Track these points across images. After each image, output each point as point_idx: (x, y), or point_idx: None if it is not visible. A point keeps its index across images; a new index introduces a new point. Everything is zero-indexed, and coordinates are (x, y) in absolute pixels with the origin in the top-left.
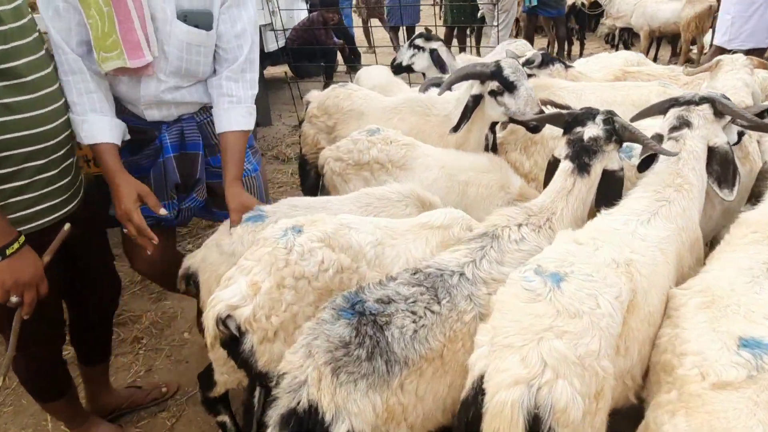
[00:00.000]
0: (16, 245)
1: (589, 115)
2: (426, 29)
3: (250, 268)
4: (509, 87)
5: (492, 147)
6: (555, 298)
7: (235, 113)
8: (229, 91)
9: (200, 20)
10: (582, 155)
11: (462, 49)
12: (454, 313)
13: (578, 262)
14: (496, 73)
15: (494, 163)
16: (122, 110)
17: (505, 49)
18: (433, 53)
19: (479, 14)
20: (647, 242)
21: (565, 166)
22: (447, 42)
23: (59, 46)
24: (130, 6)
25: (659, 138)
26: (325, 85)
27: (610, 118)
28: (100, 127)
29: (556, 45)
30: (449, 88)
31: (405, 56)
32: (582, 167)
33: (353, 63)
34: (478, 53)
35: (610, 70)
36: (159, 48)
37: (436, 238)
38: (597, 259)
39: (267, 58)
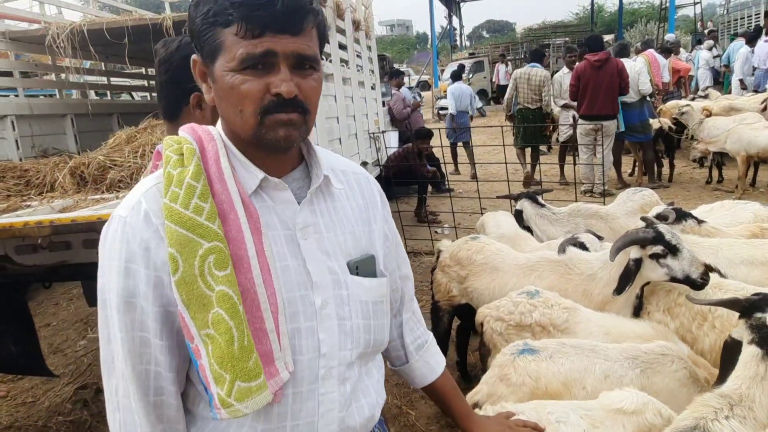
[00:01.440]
0: None
1: (766, 301)
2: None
3: None
4: (673, 250)
5: (638, 306)
6: None
7: (430, 354)
8: (413, 335)
9: (368, 268)
10: None
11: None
12: None
13: None
14: (658, 238)
15: (658, 330)
16: None
17: (656, 210)
18: (519, 213)
19: (558, 137)
20: None
21: (753, 351)
22: (522, 159)
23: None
24: (258, 290)
25: None
26: (417, 210)
27: None
28: None
29: (644, 167)
30: (616, 254)
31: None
32: None
33: (440, 186)
34: (561, 171)
35: (745, 226)
36: (340, 328)
37: (632, 426)
38: None
39: None
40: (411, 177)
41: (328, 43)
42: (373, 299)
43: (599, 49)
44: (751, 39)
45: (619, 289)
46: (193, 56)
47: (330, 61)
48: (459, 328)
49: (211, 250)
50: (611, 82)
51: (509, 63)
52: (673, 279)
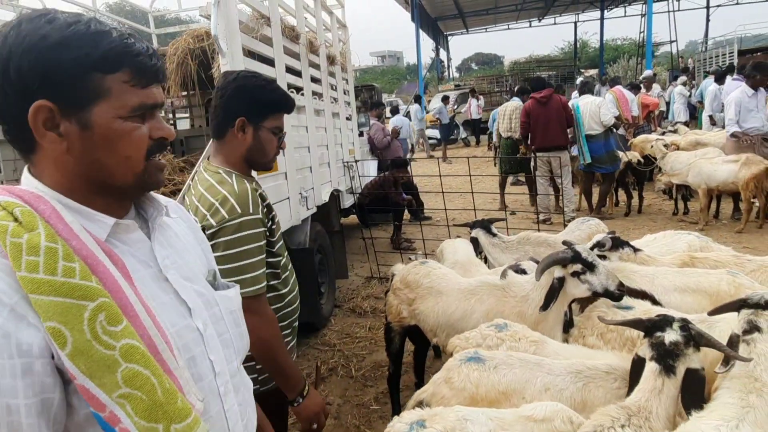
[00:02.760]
0: (306, 387)
1: (666, 322)
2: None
3: None
4: (590, 267)
5: (568, 323)
6: None
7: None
8: None
9: (217, 283)
10: (666, 357)
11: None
12: None
13: None
14: (576, 257)
15: (624, 361)
16: None
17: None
18: (474, 240)
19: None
20: None
21: (652, 367)
22: (501, 187)
23: None
24: (151, 333)
25: (736, 338)
26: (393, 236)
27: (685, 325)
28: None
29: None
30: (541, 274)
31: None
32: (668, 368)
33: (418, 214)
34: (533, 201)
35: (677, 255)
36: (222, 343)
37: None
38: None
39: (342, 213)
40: (387, 205)
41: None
42: (237, 307)
43: (542, 87)
44: (720, 77)
45: (544, 306)
46: (39, 102)
47: (302, 94)
48: (415, 350)
49: (99, 308)
50: (558, 115)
51: (480, 97)
52: (595, 293)
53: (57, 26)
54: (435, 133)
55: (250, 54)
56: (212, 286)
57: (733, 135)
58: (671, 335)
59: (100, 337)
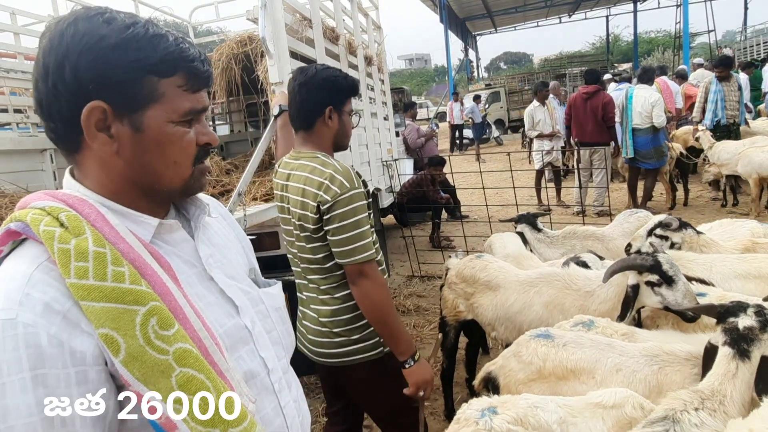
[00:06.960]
0: (418, 352)
1: (740, 307)
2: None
3: None
4: (668, 280)
5: (637, 325)
6: None
7: None
8: None
9: (259, 280)
10: (740, 342)
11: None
12: None
13: None
14: (655, 267)
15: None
16: None
17: (648, 225)
18: (521, 235)
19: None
20: None
21: (725, 351)
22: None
23: None
24: (201, 335)
25: None
26: (432, 235)
27: (761, 310)
28: None
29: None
30: (609, 277)
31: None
32: (742, 352)
33: (455, 212)
34: (558, 195)
35: (739, 240)
36: (271, 340)
37: (611, 419)
38: None
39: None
40: (425, 203)
41: None
42: (281, 304)
43: (594, 81)
44: (746, 67)
45: (622, 316)
46: (94, 103)
47: None
48: (468, 345)
49: (151, 313)
50: (595, 112)
51: (463, 102)
52: (667, 308)
53: (115, 27)
54: (467, 132)
55: (293, 55)
56: (254, 283)
57: None
58: (745, 320)
59: (153, 342)
